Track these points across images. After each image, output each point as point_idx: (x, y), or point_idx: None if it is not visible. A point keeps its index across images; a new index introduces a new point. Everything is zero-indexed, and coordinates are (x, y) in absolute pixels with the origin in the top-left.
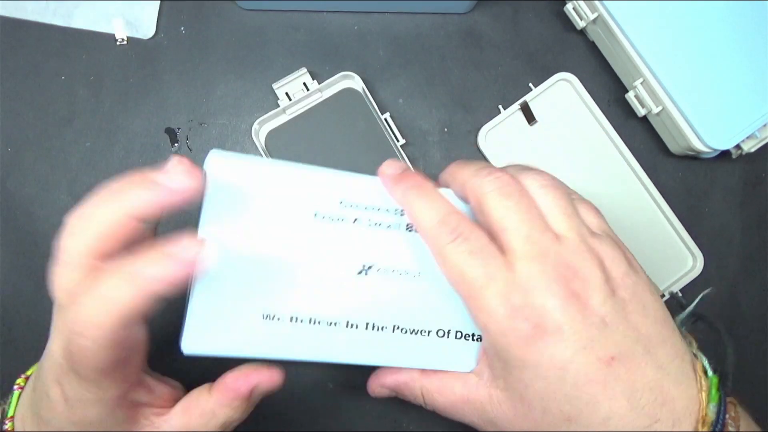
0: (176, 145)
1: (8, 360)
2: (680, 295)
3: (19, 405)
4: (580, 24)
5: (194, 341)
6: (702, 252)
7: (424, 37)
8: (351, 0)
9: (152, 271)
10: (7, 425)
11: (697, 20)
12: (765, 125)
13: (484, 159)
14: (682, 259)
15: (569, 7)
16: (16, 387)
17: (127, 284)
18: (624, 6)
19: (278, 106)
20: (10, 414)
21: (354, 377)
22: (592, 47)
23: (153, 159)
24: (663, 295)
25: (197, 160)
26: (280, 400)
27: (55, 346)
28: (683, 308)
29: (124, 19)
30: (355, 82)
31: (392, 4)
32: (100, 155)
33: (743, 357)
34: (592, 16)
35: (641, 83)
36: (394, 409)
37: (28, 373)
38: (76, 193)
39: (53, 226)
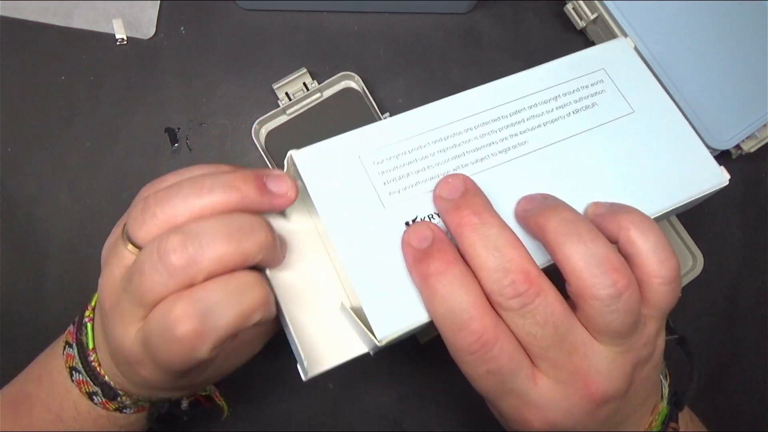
0: (176, 145)
1: (8, 360)
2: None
3: (96, 337)
4: (580, 24)
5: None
6: (702, 252)
7: (424, 37)
8: (351, 0)
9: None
10: (92, 357)
11: (697, 21)
12: (765, 125)
13: None
14: (682, 259)
15: (569, 7)
16: (87, 319)
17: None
18: (624, 6)
19: (278, 106)
20: (90, 346)
21: (354, 377)
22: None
23: (153, 159)
24: None
25: (197, 160)
26: (281, 400)
27: (133, 339)
28: (669, 332)
29: (124, 19)
30: (355, 82)
31: (392, 4)
32: (100, 155)
33: (743, 357)
34: (592, 16)
35: None
36: (394, 409)
37: (93, 303)
38: (76, 193)
39: (53, 226)
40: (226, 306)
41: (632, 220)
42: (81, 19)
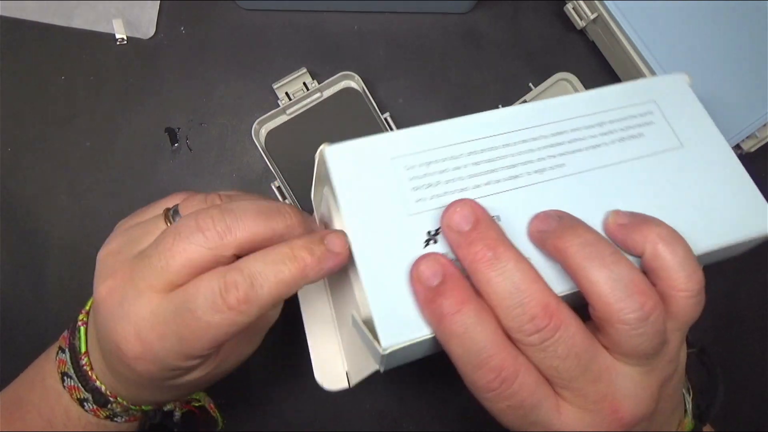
0: (176, 145)
1: (8, 360)
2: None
3: (89, 340)
4: (580, 24)
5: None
6: None
7: (424, 37)
8: (351, 0)
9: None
10: (84, 360)
11: (697, 20)
12: (765, 125)
13: None
14: None
15: (569, 7)
16: (80, 323)
17: (292, 267)
18: (624, 6)
19: (278, 105)
20: (83, 349)
21: None
22: (592, 47)
23: (153, 159)
24: None
25: (197, 159)
26: (281, 400)
27: (150, 311)
28: (689, 345)
29: (124, 19)
30: (355, 82)
31: (392, 4)
32: (100, 155)
33: (744, 357)
34: (592, 16)
35: None
36: (394, 409)
37: (87, 308)
38: (76, 193)
39: (53, 226)
40: (271, 274)
41: (659, 234)
42: (81, 19)
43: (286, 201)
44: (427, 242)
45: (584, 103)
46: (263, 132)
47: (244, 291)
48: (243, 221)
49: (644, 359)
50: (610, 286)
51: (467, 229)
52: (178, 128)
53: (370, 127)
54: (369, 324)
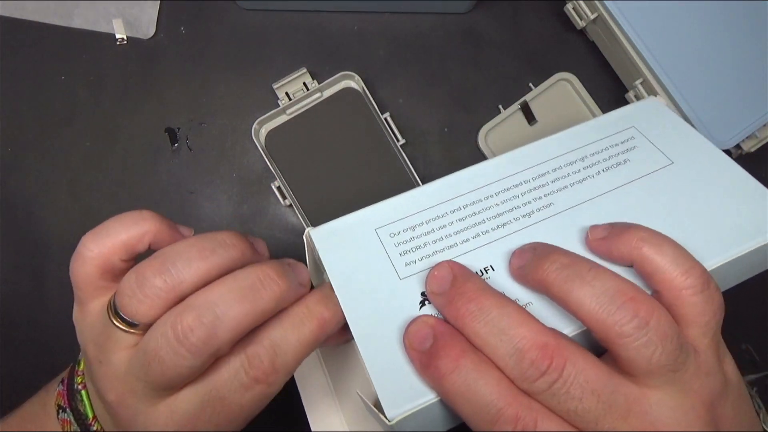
0: (176, 145)
1: (8, 360)
2: (752, 350)
3: (95, 406)
4: (580, 24)
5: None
6: None
7: (424, 37)
8: (351, 0)
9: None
10: (95, 427)
11: (697, 20)
12: (765, 125)
13: (484, 159)
14: None
15: (569, 7)
16: (80, 386)
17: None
18: (624, 6)
19: (278, 105)
20: (90, 415)
21: None
22: (592, 47)
23: (153, 159)
24: None
25: (197, 160)
26: (280, 400)
27: (171, 411)
28: (755, 365)
29: (124, 19)
30: (355, 82)
31: (392, 4)
32: (100, 155)
33: (743, 357)
34: (592, 16)
35: (641, 83)
36: None
37: (81, 367)
38: (76, 193)
39: (53, 226)
40: (292, 337)
41: (641, 237)
42: (81, 19)
43: (286, 201)
44: (423, 303)
45: (561, 142)
46: (263, 132)
47: (269, 361)
48: (226, 318)
49: (669, 374)
50: (596, 301)
51: (447, 288)
52: (178, 128)
53: (370, 127)
54: (372, 397)
